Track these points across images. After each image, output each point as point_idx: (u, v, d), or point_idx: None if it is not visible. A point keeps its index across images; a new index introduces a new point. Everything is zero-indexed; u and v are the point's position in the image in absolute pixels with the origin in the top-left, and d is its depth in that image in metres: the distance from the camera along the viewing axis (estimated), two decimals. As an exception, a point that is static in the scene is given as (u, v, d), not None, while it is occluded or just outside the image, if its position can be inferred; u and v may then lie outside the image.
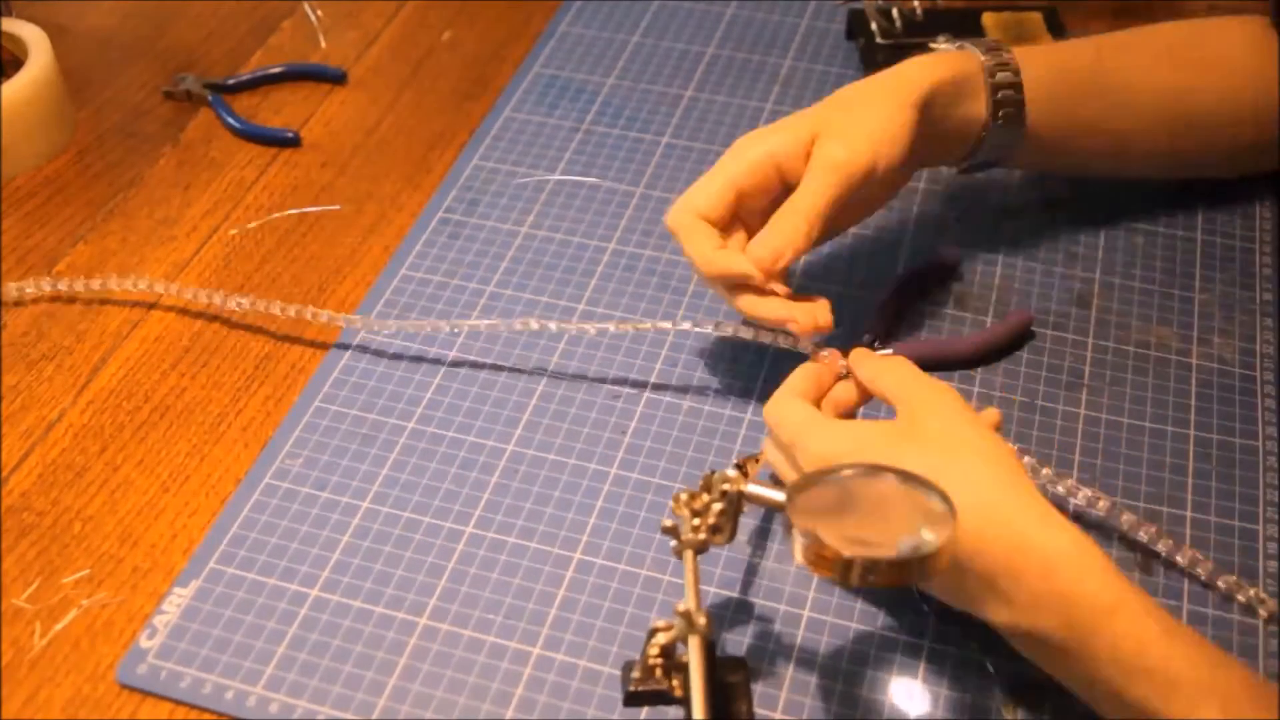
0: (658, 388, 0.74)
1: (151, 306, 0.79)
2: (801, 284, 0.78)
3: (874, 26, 0.93)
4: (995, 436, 0.60)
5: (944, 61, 0.72)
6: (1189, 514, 0.68)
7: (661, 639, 0.55)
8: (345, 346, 0.76)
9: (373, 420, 0.72)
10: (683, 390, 0.73)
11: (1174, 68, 0.77)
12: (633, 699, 0.55)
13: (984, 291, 0.79)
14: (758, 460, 0.65)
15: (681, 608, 0.54)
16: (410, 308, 0.78)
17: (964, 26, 0.94)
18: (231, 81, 0.94)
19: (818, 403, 0.65)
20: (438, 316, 0.78)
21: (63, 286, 0.78)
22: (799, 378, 0.65)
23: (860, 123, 0.69)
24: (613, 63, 0.96)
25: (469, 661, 0.62)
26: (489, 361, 0.75)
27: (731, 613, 0.64)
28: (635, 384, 0.74)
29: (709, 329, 0.72)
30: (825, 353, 0.68)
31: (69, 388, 0.74)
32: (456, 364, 0.75)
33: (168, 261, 0.82)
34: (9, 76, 0.86)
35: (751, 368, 0.75)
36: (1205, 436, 0.71)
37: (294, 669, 0.61)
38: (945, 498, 0.54)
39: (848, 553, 0.52)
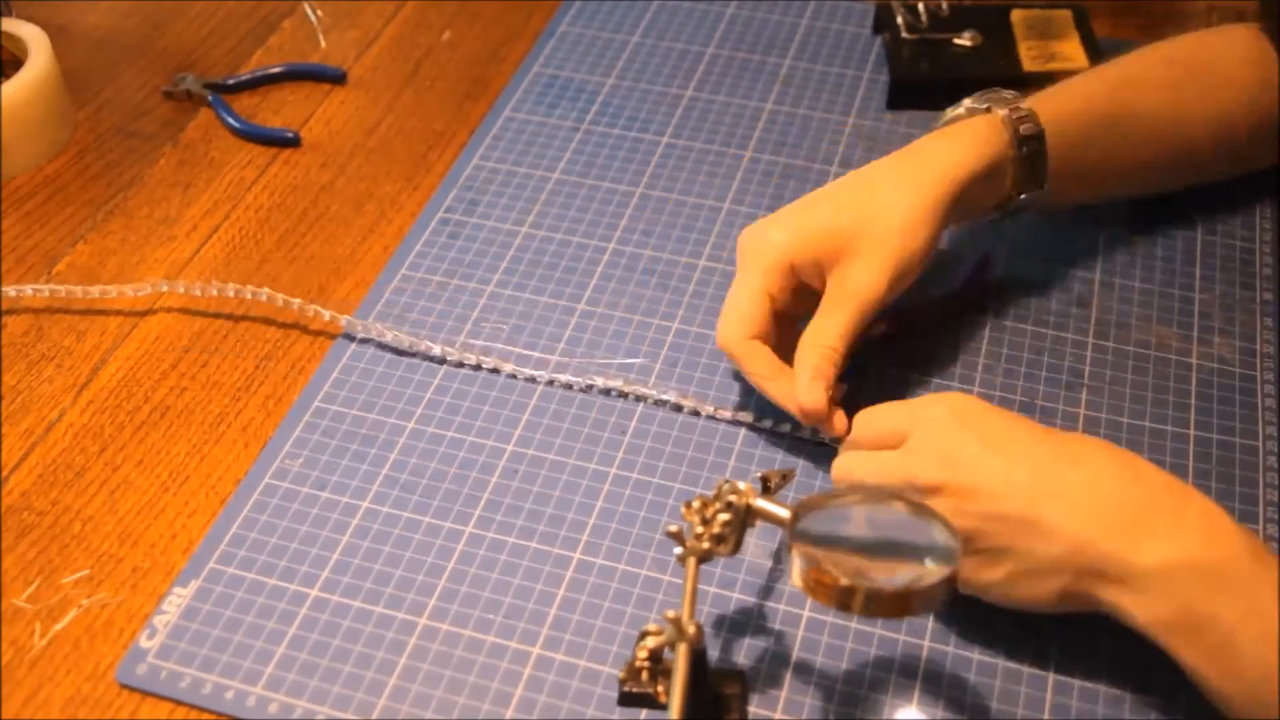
0: (658, 388, 0.74)
1: (146, 313, 0.79)
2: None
3: (900, 21, 0.93)
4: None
5: (974, 146, 0.70)
6: (1189, 514, 0.68)
7: (650, 642, 0.55)
8: (345, 347, 0.76)
9: (373, 420, 0.72)
10: (683, 390, 0.73)
11: (1172, 87, 0.77)
12: (626, 699, 0.55)
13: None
14: (785, 477, 0.65)
15: (671, 615, 0.53)
16: (410, 307, 0.78)
17: (991, 23, 0.94)
18: (231, 81, 0.94)
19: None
20: (438, 316, 0.78)
21: (61, 291, 0.78)
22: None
23: (884, 240, 0.67)
24: (613, 63, 0.96)
25: (469, 661, 0.62)
26: (489, 361, 0.75)
27: (731, 614, 0.64)
28: (635, 384, 0.74)
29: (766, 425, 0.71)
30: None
31: (69, 388, 0.74)
32: (456, 364, 0.75)
33: (168, 261, 0.82)
34: (9, 76, 0.86)
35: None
36: (1205, 436, 0.71)
37: (294, 669, 0.61)
38: (950, 529, 0.54)
39: (847, 580, 0.52)
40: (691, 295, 0.79)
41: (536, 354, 0.75)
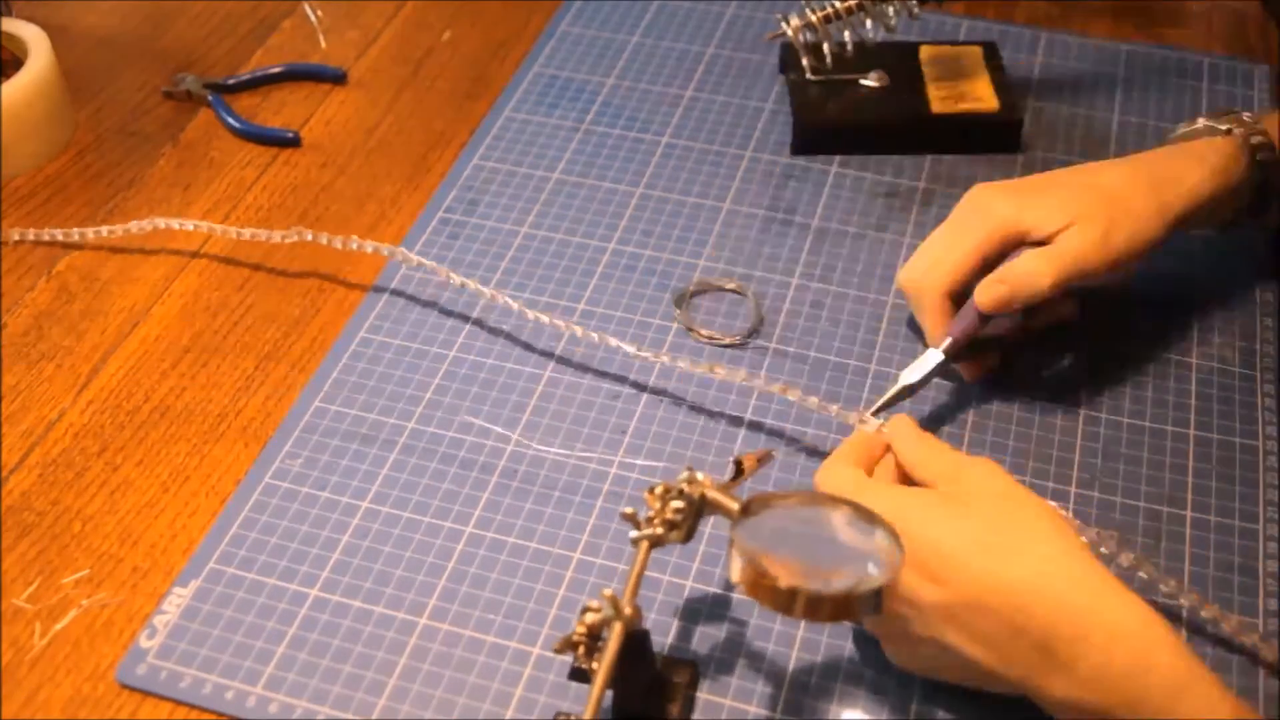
0: (658, 388, 0.74)
1: (147, 311, 0.79)
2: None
3: (804, 63, 0.89)
4: (1049, 505, 0.57)
5: (1215, 171, 0.72)
6: (1189, 514, 0.68)
7: (589, 618, 0.54)
8: (345, 347, 0.76)
9: (373, 420, 0.72)
10: (683, 390, 0.73)
11: None
12: (576, 674, 0.56)
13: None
14: (761, 459, 0.64)
15: (609, 593, 0.53)
16: (410, 307, 0.78)
17: (898, 63, 0.90)
18: (231, 81, 0.94)
19: (869, 470, 0.62)
20: (438, 316, 0.78)
21: (105, 232, 0.81)
22: (849, 445, 0.63)
23: (1119, 229, 0.69)
24: (613, 63, 0.96)
25: (469, 661, 0.62)
26: (489, 361, 0.75)
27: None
28: (635, 384, 0.74)
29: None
30: (868, 420, 0.66)
31: (69, 388, 0.74)
32: (456, 363, 0.75)
33: (168, 262, 0.82)
34: (9, 76, 0.86)
35: (751, 367, 0.75)
36: (1205, 436, 0.71)
37: (294, 669, 0.61)
38: (893, 535, 0.54)
39: (786, 582, 0.51)
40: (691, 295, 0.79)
41: (536, 353, 0.75)
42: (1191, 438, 0.71)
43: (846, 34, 0.87)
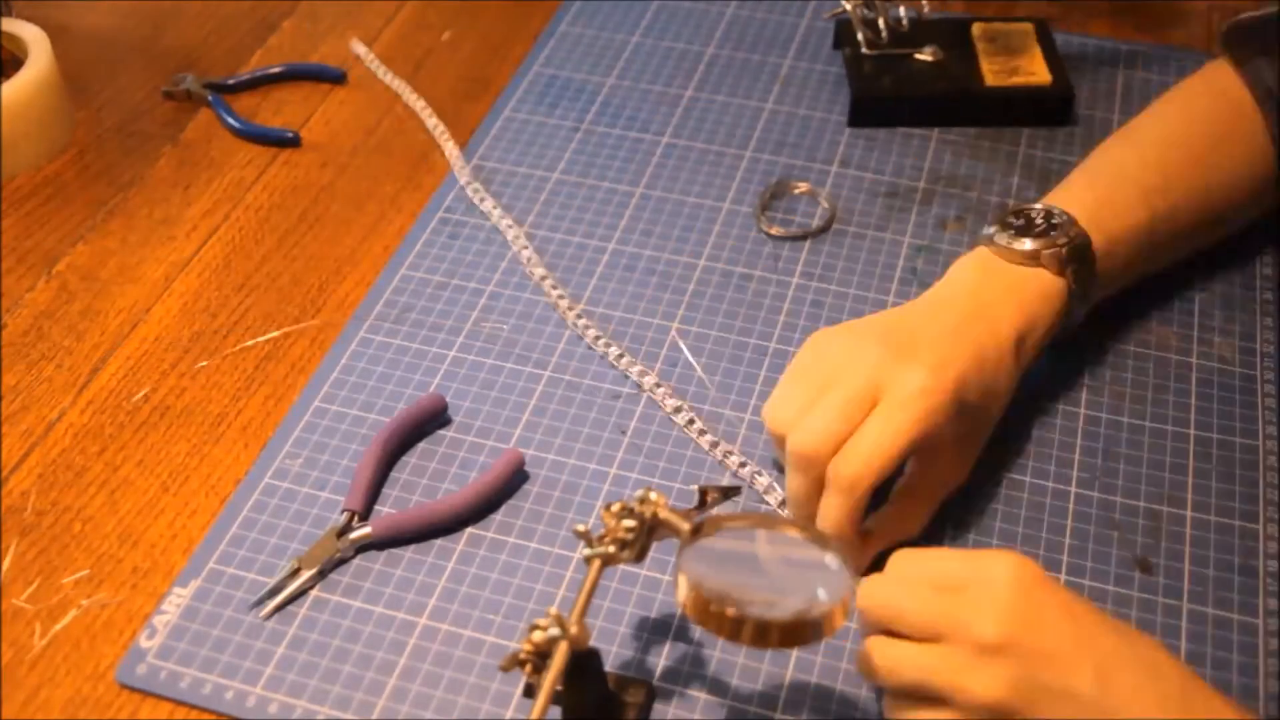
0: (658, 387, 0.74)
1: (146, 312, 0.79)
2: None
3: (860, 37, 0.92)
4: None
5: (1045, 315, 0.68)
6: (1189, 514, 0.68)
7: (536, 636, 0.53)
8: (345, 346, 0.76)
9: (373, 420, 0.72)
10: (683, 390, 0.73)
11: (1201, 177, 0.75)
12: (528, 691, 0.55)
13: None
14: (725, 493, 0.63)
15: (554, 610, 0.53)
16: (410, 308, 0.78)
17: (952, 38, 0.92)
18: (231, 81, 0.94)
19: None
20: (438, 316, 0.78)
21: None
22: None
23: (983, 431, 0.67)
24: (613, 63, 0.96)
25: (469, 661, 0.62)
26: (489, 361, 0.75)
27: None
28: (635, 384, 0.74)
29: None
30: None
31: (69, 388, 0.74)
32: (456, 363, 0.75)
33: (167, 261, 0.82)
34: (9, 76, 0.86)
35: (751, 367, 0.75)
36: (1205, 436, 0.71)
37: (294, 669, 0.61)
38: (843, 556, 0.53)
39: (733, 609, 0.50)
40: (691, 295, 0.79)
41: (536, 353, 0.76)
42: (1191, 438, 0.71)
43: (902, 9, 0.91)
